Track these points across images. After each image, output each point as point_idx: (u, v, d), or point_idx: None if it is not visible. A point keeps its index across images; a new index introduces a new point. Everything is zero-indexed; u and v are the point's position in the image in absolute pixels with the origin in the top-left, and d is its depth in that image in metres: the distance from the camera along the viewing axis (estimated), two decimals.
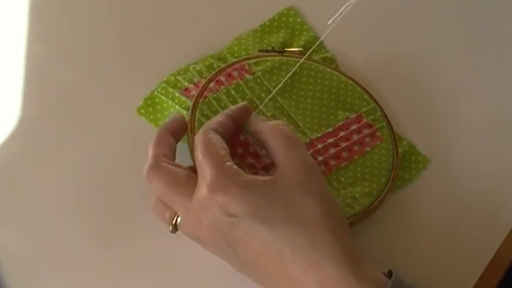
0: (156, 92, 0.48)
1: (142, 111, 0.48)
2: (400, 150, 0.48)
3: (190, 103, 0.46)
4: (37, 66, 0.50)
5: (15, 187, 0.45)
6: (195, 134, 0.43)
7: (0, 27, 0.52)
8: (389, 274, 0.37)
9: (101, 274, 0.43)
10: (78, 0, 0.54)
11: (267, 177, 0.38)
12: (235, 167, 0.38)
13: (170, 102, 0.47)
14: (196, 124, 0.44)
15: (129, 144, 0.47)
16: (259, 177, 0.38)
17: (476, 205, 0.47)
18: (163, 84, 0.48)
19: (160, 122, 0.47)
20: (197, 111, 0.45)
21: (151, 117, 0.48)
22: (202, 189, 0.37)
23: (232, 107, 0.44)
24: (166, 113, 0.48)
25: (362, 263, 0.37)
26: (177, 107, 0.47)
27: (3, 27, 0.52)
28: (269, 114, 0.47)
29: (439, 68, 0.53)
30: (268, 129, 0.41)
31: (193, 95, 0.46)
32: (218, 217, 0.37)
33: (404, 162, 0.48)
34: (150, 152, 0.41)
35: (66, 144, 0.47)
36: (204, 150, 0.38)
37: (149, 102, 0.48)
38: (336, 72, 0.50)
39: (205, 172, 0.38)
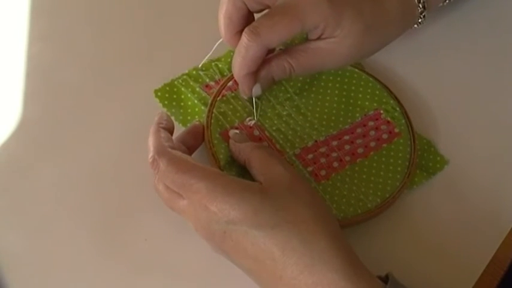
0: (176, 82, 0.49)
1: (159, 94, 0.48)
2: (418, 147, 0.47)
3: (209, 99, 0.47)
4: (38, 65, 0.50)
5: (16, 187, 0.45)
6: (211, 130, 0.44)
7: (2, 26, 0.52)
8: (387, 277, 0.37)
9: (101, 274, 0.43)
10: None
11: (257, 183, 0.39)
12: (218, 170, 0.39)
13: (189, 95, 0.48)
14: (212, 121, 0.45)
15: (129, 145, 0.47)
16: (248, 182, 0.38)
17: (476, 206, 0.47)
18: (184, 77, 0.49)
19: (173, 110, 0.48)
20: (215, 109, 0.46)
21: (166, 102, 0.48)
22: (196, 201, 0.38)
23: (183, 132, 0.45)
24: (182, 104, 0.48)
25: (357, 265, 0.37)
26: (195, 101, 0.48)
27: (5, 26, 0.52)
28: (285, 113, 0.47)
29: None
30: (247, 152, 0.42)
31: (213, 92, 0.47)
32: (213, 225, 0.37)
33: (422, 161, 0.48)
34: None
35: (67, 145, 0.47)
36: (179, 169, 0.38)
37: (167, 88, 0.49)
38: (356, 70, 0.50)
39: (196, 187, 0.38)
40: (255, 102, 0.46)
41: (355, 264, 0.37)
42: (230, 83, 0.47)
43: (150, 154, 0.40)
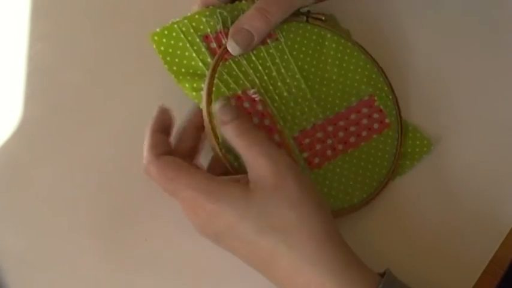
0: (176, 26, 0.45)
1: (156, 38, 0.45)
2: (404, 139, 0.48)
3: (207, 57, 0.44)
4: (39, 65, 0.50)
5: (16, 187, 0.45)
6: (211, 100, 0.42)
7: (2, 27, 0.52)
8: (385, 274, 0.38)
9: (100, 274, 0.43)
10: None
11: (242, 186, 0.37)
12: (206, 175, 0.38)
13: (188, 45, 0.45)
14: (214, 89, 0.43)
15: (129, 145, 0.47)
16: (234, 186, 0.37)
17: (476, 206, 0.47)
18: (185, 21, 0.45)
19: (168, 58, 0.45)
20: (216, 75, 0.43)
21: (162, 48, 0.45)
22: (186, 207, 0.39)
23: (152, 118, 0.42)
24: (179, 52, 0.45)
25: (349, 264, 0.37)
26: (193, 54, 0.45)
27: (5, 26, 0.52)
28: (286, 87, 0.45)
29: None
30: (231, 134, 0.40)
31: (213, 47, 0.45)
32: (204, 229, 0.38)
33: (408, 148, 0.48)
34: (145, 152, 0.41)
35: (67, 145, 0.47)
36: (167, 176, 0.39)
37: (166, 32, 0.45)
38: (356, 47, 0.49)
39: (183, 195, 0.38)
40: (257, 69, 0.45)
41: (347, 263, 0.36)
42: None
43: (143, 161, 0.40)
